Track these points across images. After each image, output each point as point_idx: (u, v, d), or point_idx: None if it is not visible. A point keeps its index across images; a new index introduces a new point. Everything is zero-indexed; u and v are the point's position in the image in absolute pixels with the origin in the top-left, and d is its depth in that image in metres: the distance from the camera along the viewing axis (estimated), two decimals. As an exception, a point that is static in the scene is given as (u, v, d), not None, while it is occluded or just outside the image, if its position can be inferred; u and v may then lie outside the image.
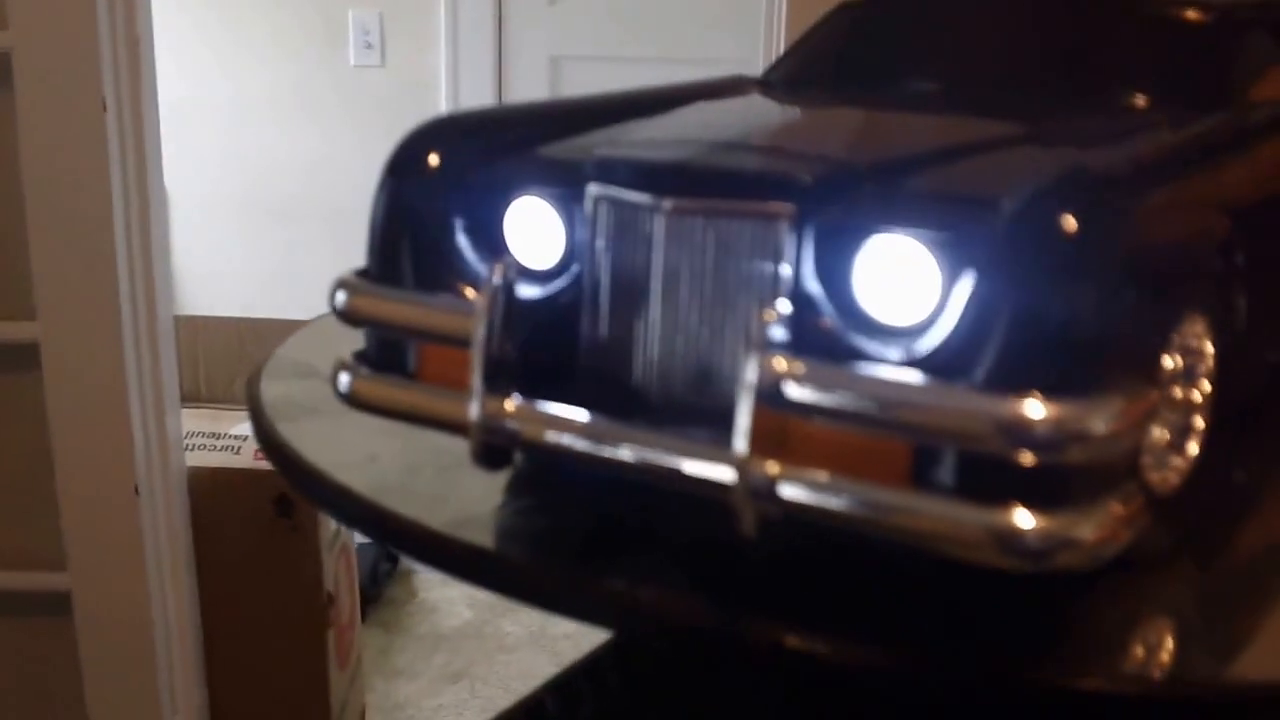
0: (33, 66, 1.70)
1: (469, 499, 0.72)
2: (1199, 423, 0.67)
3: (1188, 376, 0.66)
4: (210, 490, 2.01)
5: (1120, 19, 0.88)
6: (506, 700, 2.54)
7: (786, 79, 0.94)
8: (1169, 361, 0.65)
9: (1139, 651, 0.60)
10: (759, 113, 0.84)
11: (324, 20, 3.29)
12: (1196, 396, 0.67)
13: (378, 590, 2.94)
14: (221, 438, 2.12)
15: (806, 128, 0.77)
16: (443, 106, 3.24)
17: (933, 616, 0.61)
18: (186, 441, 2.05)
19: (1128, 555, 0.61)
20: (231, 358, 2.76)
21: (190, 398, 2.53)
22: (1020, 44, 0.89)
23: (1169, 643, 0.62)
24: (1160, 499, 0.64)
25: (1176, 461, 0.66)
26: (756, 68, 1.01)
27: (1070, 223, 0.55)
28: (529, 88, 3.23)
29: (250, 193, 3.39)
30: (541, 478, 0.74)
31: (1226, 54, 0.85)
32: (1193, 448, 0.67)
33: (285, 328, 1.02)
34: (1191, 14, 0.86)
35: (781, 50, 2.39)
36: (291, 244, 3.34)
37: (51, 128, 1.72)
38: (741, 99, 0.89)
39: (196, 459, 2.05)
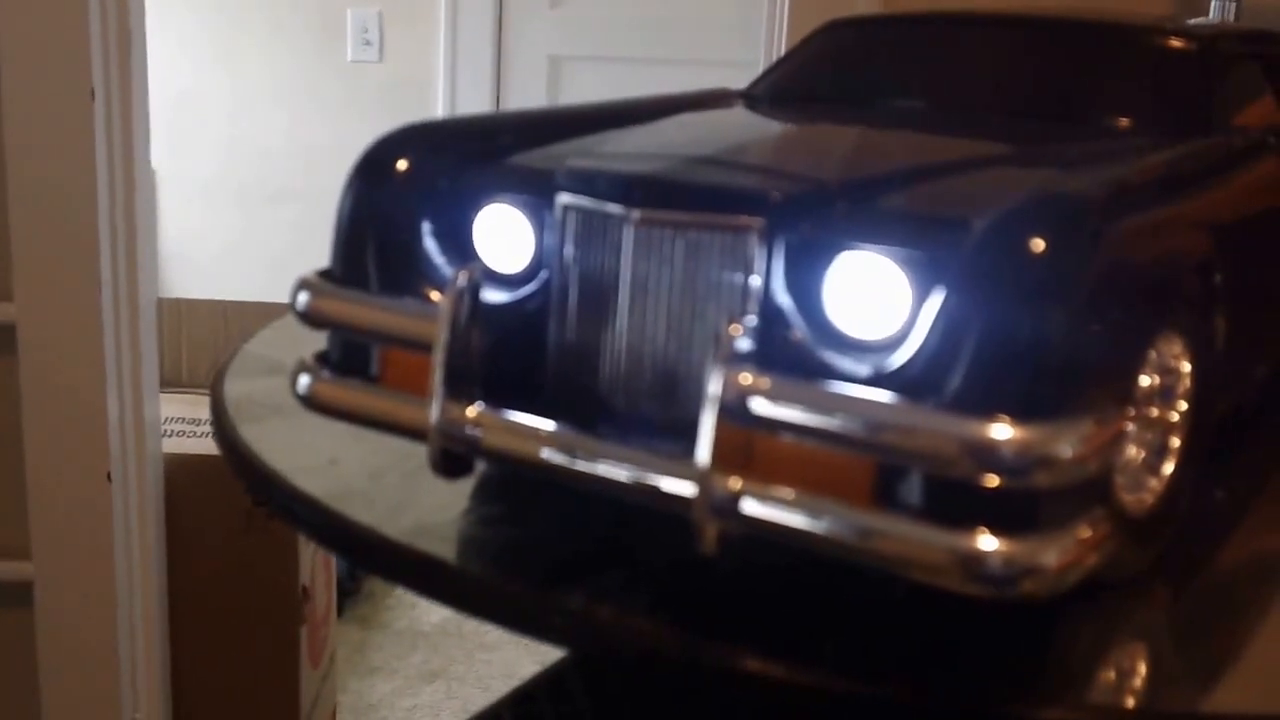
0: (20, 55, 1.70)
1: (431, 506, 0.71)
2: (1175, 443, 0.66)
3: (1165, 396, 0.66)
4: (187, 479, 1.99)
5: (1104, 45, 0.88)
6: (485, 700, 2.53)
7: (771, 93, 0.94)
8: (1146, 380, 0.64)
9: (1110, 679, 0.59)
10: (737, 126, 0.83)
11: (322, 16, 3.29)
12: (1173, 416, 0.67)
13: (356, 584, 2.92)
14: (201, 424, 2.11)
15: (782, 143, 0.77)
16: (440, 105, 3.24)
17: (898, 640, 0.60)
18: (165, 428, 2.04)
19: (1102, 577, 0.60)
20: (216, 342, 2.74)
21: (171, 383, 2.51)
22: (1005, 67, 0.89)
23: (1143, 670, 0.61)
24: (1135, 520, 0.63)
25: (1152, 482, 0.65)
26: (757, 70, 1.01)
27: (1039, 244, 0.54)
28: (527, 88, 3.23)
29: (248, 181, 3.38)
30: (510, 484, 0.73)
31: (1210, 81, 0.84)
32: (1168, 468, 0.66)
33: (269, 311, 1.01)
34: (1175, 41, 0.86)
35: (782, 53, 2.39)
36: (291, 228, 3.34)
37: (37, 114, 1.71)
38: (722, 112, 0.88)
39: (174, 445, 2.03)
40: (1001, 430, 0.52)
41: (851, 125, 0.84)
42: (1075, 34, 0.89)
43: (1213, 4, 1.93)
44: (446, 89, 3.26)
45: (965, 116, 0.85)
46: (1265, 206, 0.79)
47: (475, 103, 3.23)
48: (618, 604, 0.61)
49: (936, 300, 0.55)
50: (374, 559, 0.68)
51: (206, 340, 2.75)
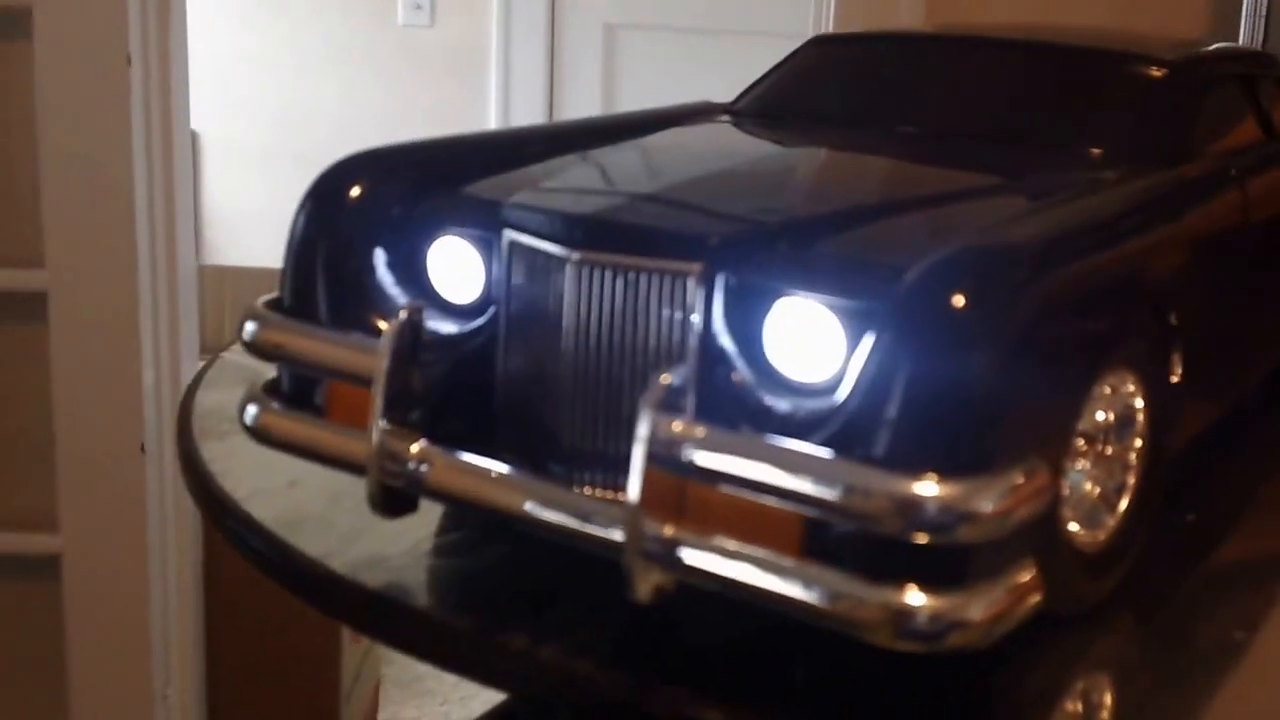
0: (56, 22, 1.71)
1: (388, 534, 0.70)
2: (1131, 479, 0.66)
3: (1120, 433, 0.65)
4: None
5: (1077, 71, 0.86)
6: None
7: (753, 108, 0.93)
8: (1101, 416, 0.64)
9: (1065, 715, 0.59)
10: (700, 154, 0.82)
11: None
12: (1129, 453, 0.66)
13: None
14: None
15: (737, 175, 0.75)
16: (492, 71, 3.23)
17: (846, 685, 0.59)
18: (206, 398, 2.03)
19: (1055, 613, 0.60)
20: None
21: (213, 350, 2.51)
22: (978, 91, 0.88)
23: (1099, 703, 0.61)
24: (1088, 556, 0.63)
25: (1108, 518, 0.65)
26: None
27: (960, 300, 0.53)
28: (582, 55, 3.21)
29: (296, 146, 3.38)
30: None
31: (1182, 107, 0.83)
32: (1124, 503, 0.66)
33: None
34: (1146, 68, 0.85)
35: (830, 26, 2.38)
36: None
37: (71, 82, 1.72)
38: (696, 132, 0.87)
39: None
40: (925, 487, 0.51)
41: (816, 152, 0.83)
42: (1049, 59, 0.88)
43: (1243, 19, 1.92)
44: (500, 55, 3.24)
45: (935, 143, 0.84)
46: (1223, 242, 0.78)
47: (529, 70, 3.22)
48: (561, 646, 0.60)
49: (866, 350, 0.54)
50: (314, 593, 0.68)
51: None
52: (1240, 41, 2.04)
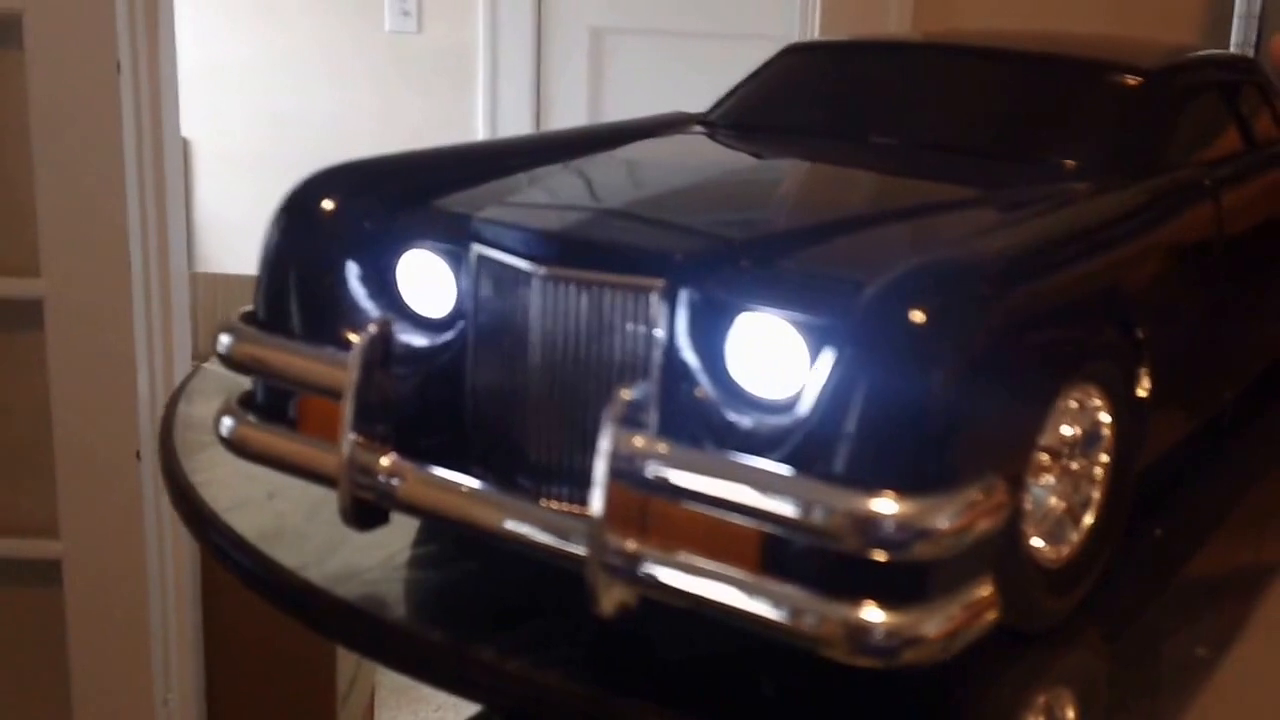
0: (45, 29, 1.71)
1: (364, 545, 0.70)
2: (1096, 495, 0.66)
3: (1086, 448, 0.66)
4: (218, 456, 1.98)
5: (1051, 81, 0.86)
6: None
7: (726, 119, 0.93)
8: (1069, 431, 0.64)
9: None
10: (670, 167, 0.83)
11: (361, -16, 3.28)
12: (1095, 469, 0.66)
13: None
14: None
15: (705, 189, 0.75)
16: (480, 76, 3.23)
17: (811, 698, 0.60)
18: (200, 404, 2.03)
19: (1018, 628, 0.61)
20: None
21: (206, 357, 2.51)
22: (952, 102, 0.88)
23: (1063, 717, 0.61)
24: (1052, 571, 0.63)
25: (1073, 534, 0.65)
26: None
27: (918, 316, 0.54)
28: (568, 60, 3.21)
29: (284, 152, 3.38)
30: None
31: (1157, 118, 0.83)
32: (1089, 519, 0.66)
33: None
34: (1120, 78, 0.84)
35: (816, 31, 2.37)
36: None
37: (62, 89, 1.72)
38: (669, 144, 0.88)
39: (207, 422, 2.02)
40: (882, 504, 0.52)
41: (786, 165, 0.84)
42: (1024, 68, 0.88)
43: (1234, 22, 1.92)
44: (487, 61, 3.24)
45: (906, 155, 0.84)
46: (1195, 256, 0.78)
47: (516, 74, 3.21)
48: (530, 658, 0.61)
49: (826, 366, 0.55)
50: (288, 602, 0.68)
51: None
52: (1232, 45, 2.04)
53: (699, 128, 0.92)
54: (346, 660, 2.17)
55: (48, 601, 1.88)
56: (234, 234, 3.36)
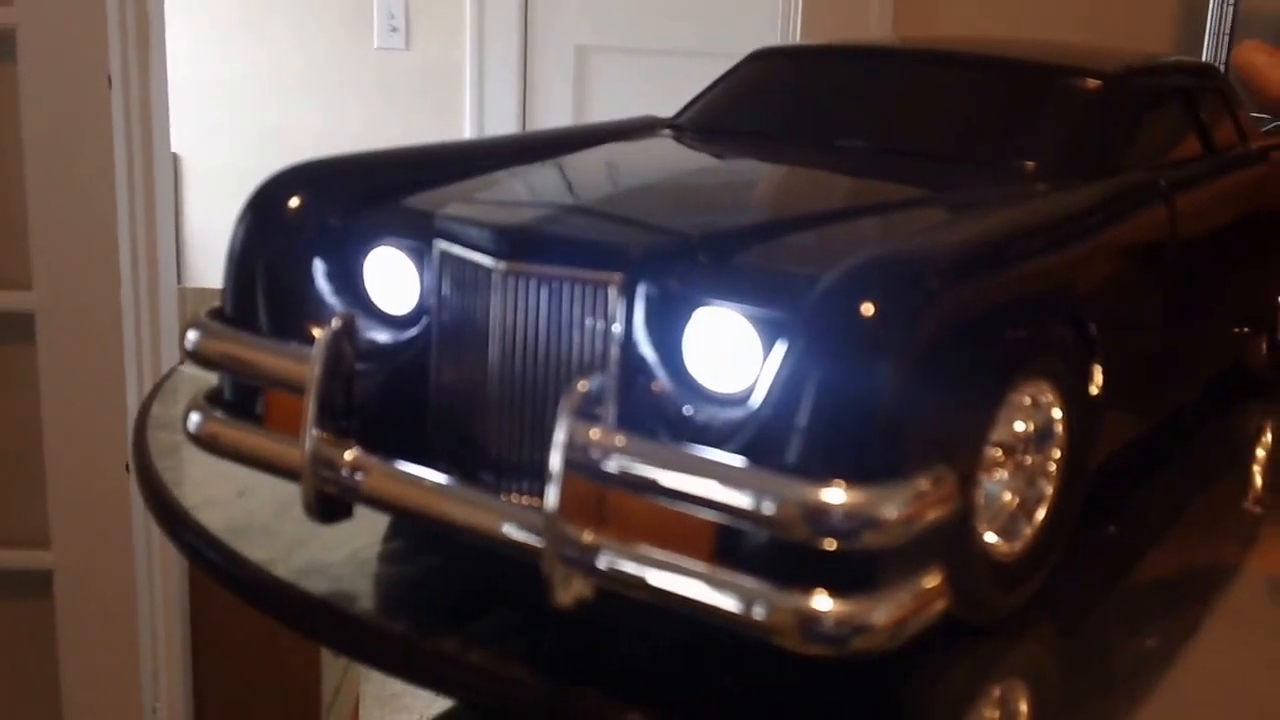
0: (37, 43, 1.73)
1: (331, 541, 0.71)
2: (1048, 489, 0.67)
3: (1039, 443, 0.66)
4: (207, 469, 1.99)
5: (1010, 84, 0.87)
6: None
7: (693, 123, 0.94)
8: (1021, 427, 0.65)
9: None
10: (632, 167, 0.83)
11: (350, 2, 3.29)
12: (1048, 464, 0.67)
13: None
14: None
15: (665, 188, 0.76)
16: (466, 93, 3.24)
17: (766, 690, 0.61)
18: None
19: (968, 622, 0.62)
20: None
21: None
22: (912, 105, 0.89)
23: (1012, 712, 0.62)
24: (1002, 565, 0.64)
25: (1025, 528, 0.66)
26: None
27: (868, 308, 0.54)
28: (554, 77, 3.22)
29: (272, 168, 3.37)
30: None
31: (1115, 121, 0.84)
32: (1041, 513, 0.67)
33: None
34: (1078, 81, 0.85)
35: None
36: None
37: (54, 103, 1.74)
38: (633, 146, 0.89)
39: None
40: (831, 494, 0.53)
41: (748, 165, 0.85)
42: (984, 72, 0.88)
43: (1210, 8, 1.92)
44: (474, 77, 3.25)
45: (866, 157, 0.85)
46: (1148, 256, 0.79)
47: (502, 91, 3.22)
48: (492, 650, 0.62)
49: (778, 358, 0.55)
50: (257, 597, 0.69)
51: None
52: (1204, 58, 2.05)
53: (666, 131, 0.93)
54: (331, 669, 2.17)
55: (39, 612, 1.89)
56: (222, 249, 3.36)
